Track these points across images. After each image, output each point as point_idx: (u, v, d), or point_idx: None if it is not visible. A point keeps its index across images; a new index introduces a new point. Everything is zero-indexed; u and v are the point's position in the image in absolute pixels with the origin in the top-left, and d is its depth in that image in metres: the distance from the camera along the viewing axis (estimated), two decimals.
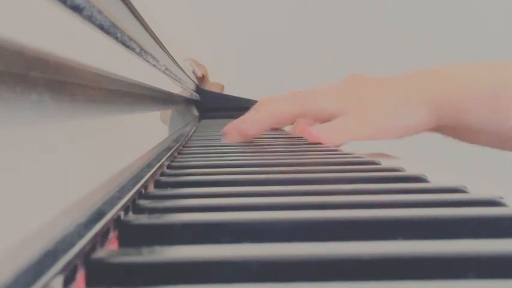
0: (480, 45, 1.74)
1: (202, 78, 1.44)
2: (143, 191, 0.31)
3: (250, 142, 0.64)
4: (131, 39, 0.40)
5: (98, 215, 0.21)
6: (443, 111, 0.59)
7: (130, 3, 0.40)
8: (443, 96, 0.59)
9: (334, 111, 0.62)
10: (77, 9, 0.25)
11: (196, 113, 1.30)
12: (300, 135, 0.71)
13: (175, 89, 0.73)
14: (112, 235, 0.22)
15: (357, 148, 0.63)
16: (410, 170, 0.39)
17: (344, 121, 0.60)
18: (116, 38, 0.34)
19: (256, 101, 1.34)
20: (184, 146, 0.59)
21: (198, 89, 1.34)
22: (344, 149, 0.58)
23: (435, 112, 0.59)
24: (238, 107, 1.35)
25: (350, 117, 0.60)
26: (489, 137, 0.61)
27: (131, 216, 0.25)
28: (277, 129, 0.87)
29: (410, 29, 1.77)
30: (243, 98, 1.35)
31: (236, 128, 0.64)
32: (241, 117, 0.67)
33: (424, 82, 0.60)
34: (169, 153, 0.46)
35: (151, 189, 0.33)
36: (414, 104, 0.59)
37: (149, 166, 0.36)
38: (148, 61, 0.49)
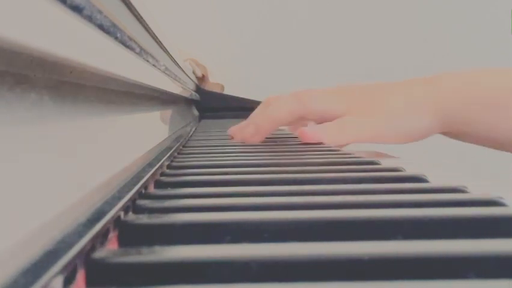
0: (480, 46, 1.74)
1: (202, 78, 1.43)
2: (143, 191, 0.31)
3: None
4: (131, 39, 0.40)
5: (98, 215, 0.21)
6: (446, 119, 0.59)
7: (130, 3, 0.40)
8: (446, 106, 0.59)
9: (336, 112, 0.61)
10: (77, 9, 0.25)
11: (196, 113, 1.30)
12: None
13: (175, 89, 0.73)
14: (112, 235, 0.22)
15: (355, 147, 0.63)
16: (410, 170, 0.39)
17: (345, 122, 0.60)
18: (116, 38, 0.34)
19: (256, 101, 1.34)
20: (184, 146, 0.59)
21: (198, 89, 1.34)
22: (344, 148, 0.58)
23: (439, 121, 0.60)
24: (238, 107, 1.35)
25: (351, 118, 0.60)
26: (491, 142, 0.61)
27: (131, 216, 0.25)
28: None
29: (411, 30, 1.77)
30: (243, 98, 1.35)
31: (240, 134, 0.64)
32: (246, 120, 0.67)
33: (427, 90, 0.61)
34: (169, 153, 0.46)
35: (151, 189, 0.33)
36: (417, 111, 0.60)
37: (149, 166, 0.36)
38: (148, 61, 0.49)
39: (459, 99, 0.59)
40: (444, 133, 0.64)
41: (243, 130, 0.64)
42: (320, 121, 0.64)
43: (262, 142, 0.64)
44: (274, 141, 0.65)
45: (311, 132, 0.59)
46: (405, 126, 0.59)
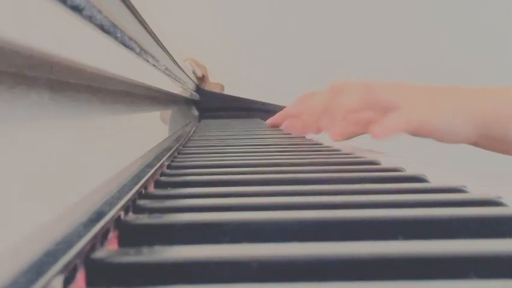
0: (480, 47, 1.74)
1: (202, 78, 1.43)
2: (143, 191, 0.31)
3: (250, 142, 0.64)
4: (131, 39, 0.40)
5: (98, 215, 0.21)
6: (485, 131, 0.63)
7: (130, 3, 0.40)
8: (489, 114, 0.63)
9: (398, 103, 0.63)
10: (77, 9, 0.25)
11: (196, 113, 1.30)
12: (301, 136, 0.71)
13: (175, 89, 0.73)
14: (112, 235, 0.22)
15: (353, 144, 0.63)
16: (410, 170, 0.39)
17: (410, 111, 0.62)
18: (116, 38, 0.34)
19: (256, 101, 1.34)
20: (184, 146, 0.59)
21: (198, 89, 1.34)
22: (343, 149, 0.58)
23: (478, 131, 0.63)
24: (238, 107, 1.35)
25: (412, 109, 0.62)
26: None
27: (131, 216, 0.25)
28: (277, 128, 0.87)
29: (411, 30, 1.77)
30: (243, 98, 1.35)
31: (312, 126, 0.65)
32: (284, 112, 0.68)
33: (473, 100, 0.65)
34: (169, 153, 0.46)
35: (151, 189, 0.33)
36: (462, 116, 0.63)
37: (149, 166, 0.36)
38: (148, 61, 0.49)
39: (502, 115, 0.63)
40: (477, 143, 0.67)
41: (317, 122, 0.64)
42: (384, 111, 0.64)
43: (262, 142, 0.64)
44: (274, 142, 0.65)
45: (383, 129, 0.59)
46: (452, 125, 0.62)
